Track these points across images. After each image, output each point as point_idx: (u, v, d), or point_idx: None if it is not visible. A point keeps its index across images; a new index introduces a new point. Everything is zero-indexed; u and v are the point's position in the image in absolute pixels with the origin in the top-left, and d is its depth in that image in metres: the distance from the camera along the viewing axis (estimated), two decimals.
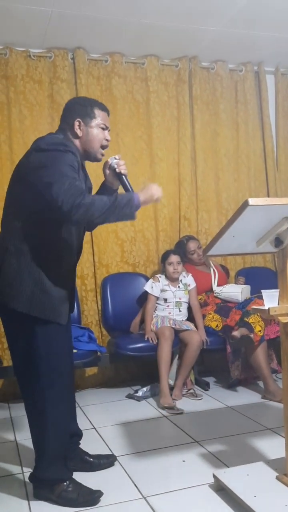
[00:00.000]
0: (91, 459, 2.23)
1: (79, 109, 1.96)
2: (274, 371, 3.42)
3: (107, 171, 2.05)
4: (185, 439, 2.45)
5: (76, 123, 1.93)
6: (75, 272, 2.08)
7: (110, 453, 2.38)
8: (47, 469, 1.94)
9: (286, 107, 4.21)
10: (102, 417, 2.95)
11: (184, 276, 3.48)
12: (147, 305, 3.40)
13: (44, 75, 3.57)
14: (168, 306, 3.41)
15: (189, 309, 3.47)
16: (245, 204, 1.60)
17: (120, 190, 2.07)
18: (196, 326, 3.36)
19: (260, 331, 3.16)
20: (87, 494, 1.95)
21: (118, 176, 2.01)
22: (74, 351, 2.98)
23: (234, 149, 4.04)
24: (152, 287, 3.40)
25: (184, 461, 2.28)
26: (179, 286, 3.43)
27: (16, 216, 1.86)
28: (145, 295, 3.45)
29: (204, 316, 3.43)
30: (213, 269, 3.61)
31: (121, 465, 2.28)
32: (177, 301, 3.41)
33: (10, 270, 1.83)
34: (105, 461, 2.25)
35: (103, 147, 1.99)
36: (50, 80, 3.58)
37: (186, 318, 3.44)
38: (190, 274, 3.51)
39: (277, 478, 1.89)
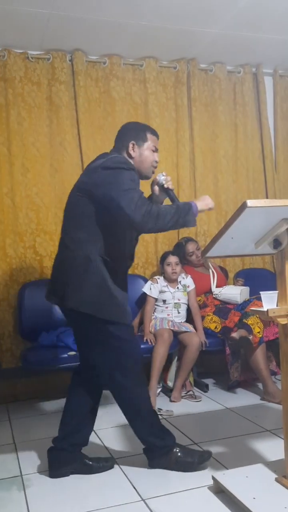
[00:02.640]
0: (91, 462, 2.25)
1: (133, 132, 2.18)
2: (273, 372, 3.42)
3: (156, 187, 2.23)
4: (184, 441, 2.44)
5: (131, 145, 2.15)
6: (127, 277, 2.24)
7: (109, 455, 2.38)
8: (154, 441, 2.17)
9: (285, 109, 4.21)
10: (101, 419, 2.92)
11: (184, 278, 3.47)
12: (145, 307, 3.40)
13: (43, 77, 3.57)
14: (167, 307, 3.41)
15: (188, 310, 3.47)
16: (244, 206, 1.60)
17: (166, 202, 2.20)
18: (195, 327, 3.36)
19: (259, 332, 3.16)
20: (200, 456, 2.19)
21: (166, 191, 2.18)
22: (72, 353, 3.00)
23: (233, 151, 4.04)
24: (150, 289, 3.40)
25: None
26: (178, 288, 3.43)
27: (79, 228, 2.06)
28: (144, 297, 3.45)
29: (203, 318, 3.43)
30: (212, 271, 3.61)
31: (120, 468, 2.27)
32: (176, 303, 3.41)
33: (78, 277, 2.01)
34: (104, 464, 2.26)
35: (154, 167, 2.21)
36: (49, 82, 3.58)
37: (185, 319, 3.44)
38: (189, 276, 3.50)
39: (276, 480, 1.89)
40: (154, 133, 2.23)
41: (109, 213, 1.97)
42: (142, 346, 3.21)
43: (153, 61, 3.80)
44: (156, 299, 3.42)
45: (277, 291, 1.81)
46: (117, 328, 2.05)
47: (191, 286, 3.48)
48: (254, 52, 3.85)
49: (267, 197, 4.08)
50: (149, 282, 3.46)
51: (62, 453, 2.21)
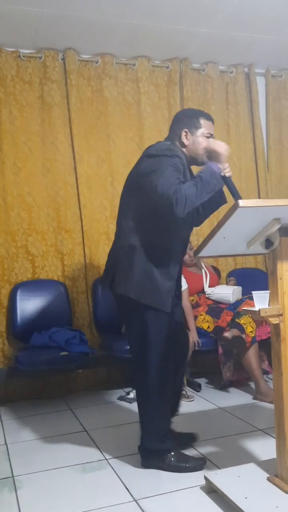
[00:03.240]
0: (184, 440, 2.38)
1: (186, 120, 2.18)
2: (266, 372, 3.43)
3: None
4: None
5: (183, 133, 2.16)
6: (181, 266, 2.29)
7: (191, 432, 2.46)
8: (156, 442, 2.18)
9: (277, 109, 4.23)
10: (94, 420, 2.94)
11: None
12: None
13: (34, 76, 3.55)
14: None
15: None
16: (236, 206, 1.60)
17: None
18: (187, 327, 3.36)
19: (251, 332, 3.17)
20: (193, 461, 2.19)
21: (224, 179, 2.10)
22: (65, 353, 2.99)
23: None
24: None
25: None
26: None
27: (129, 217, 2.13)
28: None
29: (195, 317, 3.43)
30: (205, 270, 3.62)
31: (112, 468, 2.27)
32: None
33: (125, 264, 2.10)
34: (186, 439, 2.39)
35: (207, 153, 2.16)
36: (40, 81, 3.57)
37: None
38: (182, 275, 3.50)
39: (268, 479, 1.89)
40: (209, 118, 2.21)
41: (150, 200, 2.00)
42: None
43: (145, 60, 3.79)
44: None
45: (269, 291, 1.81)
46: (156, 316, 2.09)
47: (184, 285, 3.46)
48: (246, 52, 3.86)
49: (259, 197, 4.09)
50: None
51: None
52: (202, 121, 2.17)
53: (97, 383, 3.57)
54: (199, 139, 2.16)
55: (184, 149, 2.17)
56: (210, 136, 2.17)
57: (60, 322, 3.37)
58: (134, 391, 3.24)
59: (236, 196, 2.03)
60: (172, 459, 2.18)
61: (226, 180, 2.09)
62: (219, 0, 3.05)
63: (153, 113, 3.83)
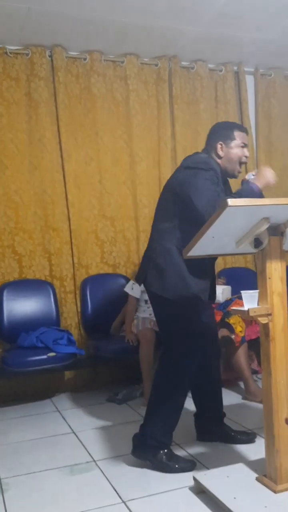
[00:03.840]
0: (232, 433, 2.44)
1: (221, 132, 2.28)
2: (255, 371, 3.43)
3: None
4: None
5: (219, 146, 2.25)
6: (214, 266, 2.37)
7: (251, 431, 2.52)
8: (159, 432, 2.20)
9: (266, 108, 4.23)
10: (82, 421, 2.92)
11: None
12: (127, 307, 3.37)
13: (21, 72, 3.50)
14: (149, 307, 3.37)
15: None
16: (224, 205, 1.59)
17: None
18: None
19: (241, 331, 3.16)
20: (183, 462, 2.20)
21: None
22: (52, 354, 2.96)
23: None
24: (132, 288, 3.37)
25: None
26: None
27: (164, 222, 2.25)
28: (125, 297, 3.42)
29: None
30: None
31: (100, 470, 2.25)
32: None
33: (159, 265, 2.21)
34: (245, 437, 2.43)
35: (241, 163, 2.28)
36: (28, 78, 3.52)
37: None
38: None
39: (257, 479, 1.89)
40: (242, 129, 2.29)
41: (188, 210, 2.09)
42: (123, 347, 3.20)
43: (134, 58, 3.76)
44: (138, 299, 3.39)
45: (258, 290, 1.80)
46: (188, 313, 2.18)
47: None
48: (235, 51, 3.85)
49: None
50: (130, 282, 3.43)
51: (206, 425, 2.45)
52: (236, 133, 2.26)
53: (85, 384, 3.54)
54: (234, 150, 2.25)
55: (219, 161, 2.26)
56: (244, 146, 2.26)
57: (48, 323, 3.34)
58: (124, 391, 3.24)
59: None
60: (164, 456, 2.18)
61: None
62: None
63: (141, 111, 3.81)
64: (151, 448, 2.20)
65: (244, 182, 2.21)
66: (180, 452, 2.33)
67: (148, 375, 3.09)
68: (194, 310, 2.21)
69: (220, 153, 2.25)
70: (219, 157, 2.26)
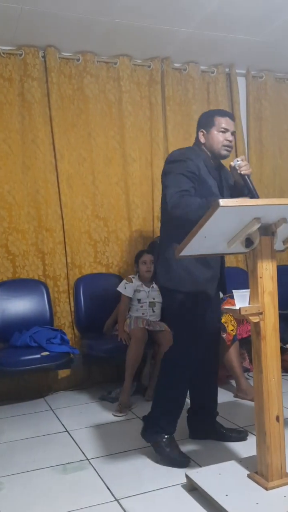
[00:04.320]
0: (224, 431, 2.48)
1: (203, 121, 2.36)
2: (246, 370, 3.46)
3: (234, 173, 2.28)
4: None
5: (200, 134, 2.34)
6: (221, 258, 2.41)
7: (241, 429, 2.57)
8: (163, 418, 2.29)
9: (257, 109, 4.26)
10: (75, 420, 2.93)
11: None
12: (120, 306, 3.39)
13: (14, 73, 3.51)
14: (141, 306, 3.40)
15: (163, 309, 3.47)
16: (216, 205, 1.61)
17: None
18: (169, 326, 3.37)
19: (232, 330, 3.19)
20: (179, 455, 2.25)
21: (241, 176, 2.21)
22: (45, 353, 2.97)
23: None
24: (125, 288, 3.39)
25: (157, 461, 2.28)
26: (153, 286, 3.42)
27: (164, 217, 2.35)
28: (118, 296, 3.43)
29: None
30: None
31: (93, 468, 2.26)
32: (150, 302, 3.41)
33: (165, 258, 2.30)
34: (236, 435, 2.46)
35: (226, 147, 2.30)
36: (21, 78, 3.52)
37: (159, 318, 3.44)
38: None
39: (248, 476, 1.91)
40: (223, 114, 2.33)
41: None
42: (116, 346, 3.21)
43: (127, 59, 3.78)
44: (130, 298, 3.41)
45: (249, 290, 1.82)
46: (195, 302, 2.26)
47: None
48: (227, 52, 3.88)
49: None
50: (123, 281, 3.44)
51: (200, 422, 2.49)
52: (217, 119, 2.30)
53: (79, 383, 3.55)
54: (214, 135, 2.29)
55: (204, 148, 2.33)
56: (226, 130, 2.29)
57: (41, 322, 3.34)
58: (117, 390, 3.25)
59: (253, 194, 2.14)
60: (163, 441, 2.26)
61: (243, 178, 2.20)
62: (200, 0, 3.05)
63: (134, 112, 3.82)
64: (154, 431, 2.29)
65: (232, 168, 2.25)
66: None
67: (130, 374, 3.10)
68: (200, 303, 2.28)
69: (202, 140, 2.33)
70: (202, 144, 2.33)
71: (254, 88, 4.24)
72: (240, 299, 1.79)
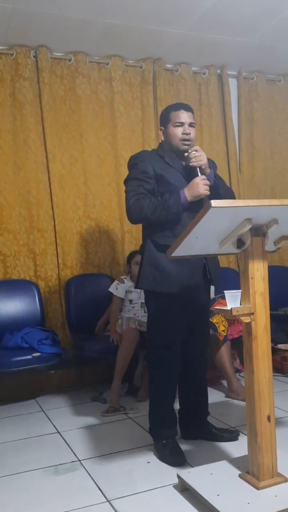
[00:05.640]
0: (215, 431, 2.47)
1: (161, 118, 2.40)
2: (237, 370, 3.48)
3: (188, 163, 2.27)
4: (149, 441, 2.44)
5: (160, 132, 2.39)
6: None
7: (233, 429, 2.56)
8: (156, 423, 2.36)
9: (248, 111, 4.28)
10: (66, 421, 2.92)
11: None
12: (112, 307, 3.38)
13: (6, 72, 3.49)
14: (133, 307, 3.40)
15: None
16: (208, 206, 1.61)
17: None
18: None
19: (224, 330, 3.20)
20: (170, 454, 2.26)
21: (193, 168, 2.21)
22: (37, 354, 2.95)
23: None
24: (116, 288, 3.39)
25: (148, 462, 2.28)
26: None
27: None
28: (110, 297, 3.43)
29: None
30: None
31: (85, 469, 2.26)
32: (142, 302, 3.40)
33: (142, 262, 2.32)
34: (228, 435, 2.45)
35: (184, 140, 2.28)
36: (12, 78, 3.51)
37: None
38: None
39: (240, 476, 1.92)
40: (177, 108, 2.33)
41: None
42: (107, 347, 3.21)
43: (118, 59, 3.78)
44: (122, 299, 3.41)
45: (241, 290, 1.83)
46: (166, 301, 2.25)
47: None
48: (218, 54, 3.90)
49: None
50: (115, 282, 3.44)
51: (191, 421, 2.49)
52: (172, 114, 2.31)
53: (70, 384, 3.55)
54: (170, 131, 2.31)
55: (164, 144, 2.35)
56: (180, 124, 2.29)
57: (32, 323, 3.33)
58: (108, 391, 3.24)
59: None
60: (160, 443, 2.32)
61: (195, 170, 2.19)
62: (192, 1, 3.07)
63: (126, 113, 3.83)
64: (154, 434, 2.38)
65: (187, 164, 2.23)
66: None
67: (120, 374, 3.10)
68: (167, 298, 2.25)
69: (162, 138, 2.36)
70: (164, 142, 2.36)
71: (245, 89, 4.26)
72: (232, 300, 1.79)
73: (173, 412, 2.38)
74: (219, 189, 2.29)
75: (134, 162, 2.28)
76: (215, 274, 2.37)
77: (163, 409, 2.35)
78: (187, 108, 2.33)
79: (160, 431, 2.35)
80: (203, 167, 2.21)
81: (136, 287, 2.39)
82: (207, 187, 2.17)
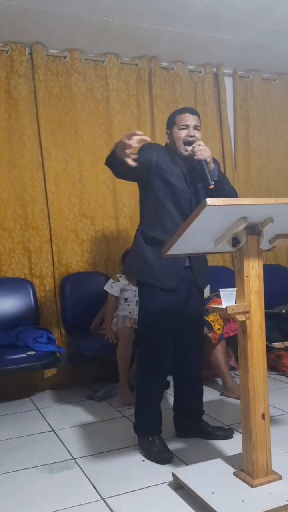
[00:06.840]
0: (210, 429, 2.48)
1: (167, 123, 2.42)
2: (232, 368, 3.49)
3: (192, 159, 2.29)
4: None
5: (166, 135, 2.42)
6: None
7: (227, 427, 2.57)
8: (141, 420, 2.37)
9: (244, 109, 4.29)
10: (61, 419, 2.91)
11: None
12: (107, 305, 3.38)
13: (1, 69, 3.47)
14: (128, 305, 3.40)
15: None
16: (203, 204, 1.61)
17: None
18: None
19: (219, 329, 3.21)
20: (159, 451, 2.26)
21: (198, 162, 2.23)
22: (31, 353, 2.95)
23: None
24: (112, 287, 3.38)
25: (143, 460, 2.28)
26: None
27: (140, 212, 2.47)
28: (105, 295, 3.43)
29: None
30: None
31: (80, 467, 2.25)
32: (137, 301, 3.40)
33: (130, 252, 2.48)
34: (222, 433, 2.46)
35: (186, 143, 2.30)
36: (7, 75, 3.49)
37: None
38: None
39: (234, 474, 1.92)
40: (181, 111, 2.37)
41: (145, 195, 2.37)
42: (102, 345, 3.21)
43: (114, 57, 3.77)
44: (117, 297, 3.41)
45: (236, 289, 1.84)
46: (153, 293, 2.27)
47: None
48: (214, 52, 3.89)
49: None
50: (110, 280, 3.44)
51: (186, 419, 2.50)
52: (177, 117, 2.35)
53: (65, 382, 3.54)
54: (174, 134, 2.34)
55: (170, 147, 2.37)
56: (185, 127, 2.31)
57: (27, 321, 3.32)
58: (103, 389, 3.25)
59: (207, 182, 2.18)
60: (147, 441, 2.32)
61: (200, 164, 2.21)
62: (188, 0, 3.06)
63: (122, 110, 3.82)
64: (140, 431, 2.37)
65: (193, 162, 2.26)
66: None
67: (124, 374, 3.11)
68: (155, 289, 2.26)
69: (168, 141, 2.40)
70: (169, 144, 2.38)
71: (241, 88, 4.26)
72: (227, 298, 1.80)
73: (159, 409, 2.38)
74: (224, 185, 2.33)
75: (143, 147, 2.26)
76: (199, 268, 2.36)
77: (149, 405, 2.35)
78: (193, 112, 2.37)
79: (145, 428, 2.35)
80: (208, 160, 2.22)
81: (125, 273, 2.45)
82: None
